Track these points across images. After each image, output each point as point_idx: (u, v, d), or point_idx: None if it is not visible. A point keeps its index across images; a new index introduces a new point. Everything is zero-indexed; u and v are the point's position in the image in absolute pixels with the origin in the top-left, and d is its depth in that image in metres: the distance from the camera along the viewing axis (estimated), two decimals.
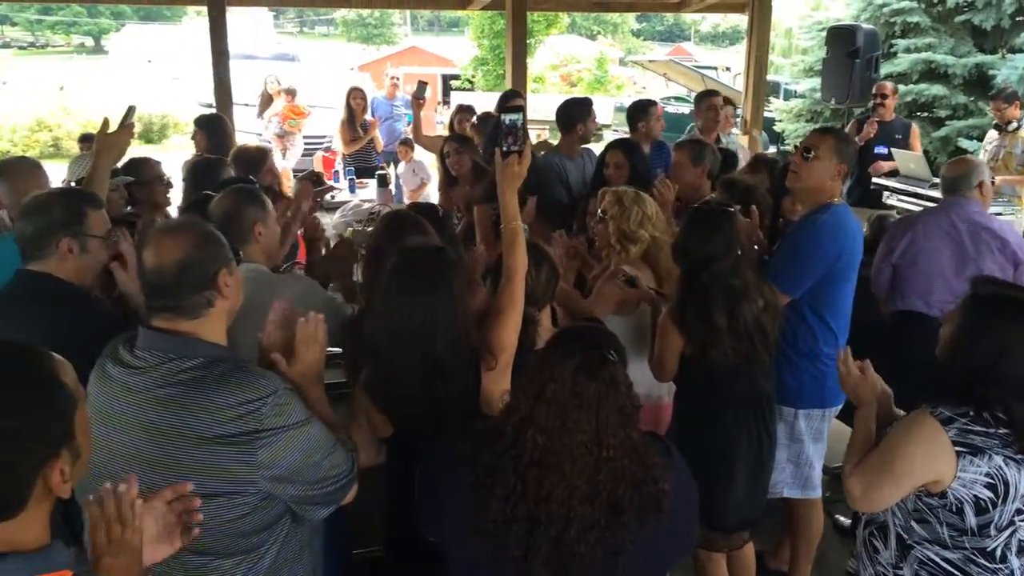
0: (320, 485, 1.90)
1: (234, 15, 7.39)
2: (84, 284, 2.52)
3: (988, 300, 2.10)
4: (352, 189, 7.24)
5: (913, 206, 6.94)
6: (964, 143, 10.47)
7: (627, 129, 5.86)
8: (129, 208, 3.81)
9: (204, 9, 7.51)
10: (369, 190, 7.13)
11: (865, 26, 8.56)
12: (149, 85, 21.03)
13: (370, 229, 5.04)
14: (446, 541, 1.87)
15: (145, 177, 3.95)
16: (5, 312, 2.40)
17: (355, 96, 8.09)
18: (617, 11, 17.68)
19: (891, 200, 7.14)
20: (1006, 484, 1.98)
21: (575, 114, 5.13)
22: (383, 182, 6.77)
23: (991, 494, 1.99)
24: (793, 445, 3.25)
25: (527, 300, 2.53)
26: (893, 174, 7.11)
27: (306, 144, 11.31)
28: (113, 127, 3.08)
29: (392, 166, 8.05)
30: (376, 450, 2.41)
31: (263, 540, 1.88)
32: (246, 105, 11.29)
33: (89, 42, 52.77)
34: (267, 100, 9.81)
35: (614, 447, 1.65)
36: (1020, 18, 11.49)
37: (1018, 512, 2.02)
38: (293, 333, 2.05)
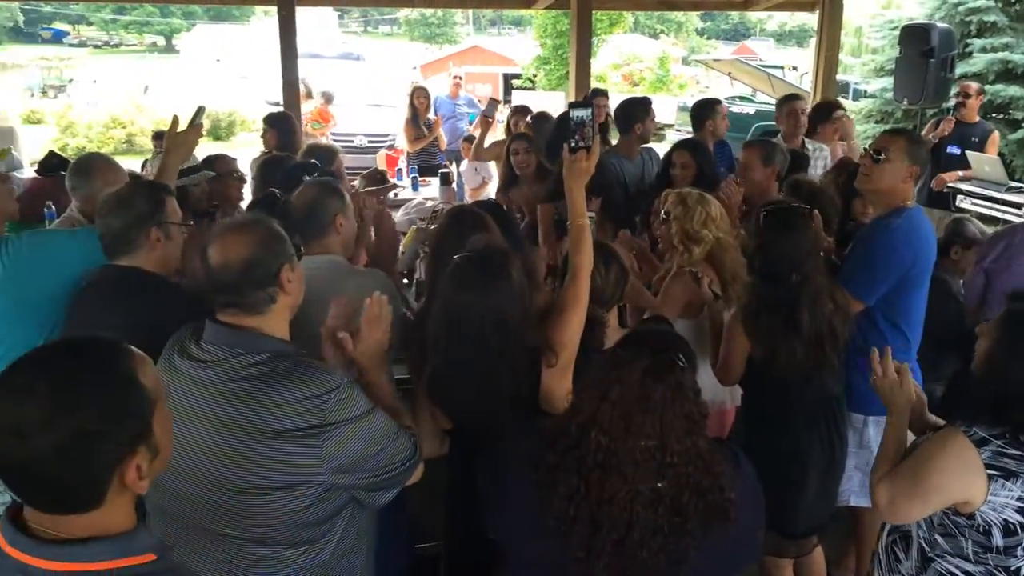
0: (383, 471, 1.93)
1: (300, 14, 7.51)
2: (168, 273, 2.60)
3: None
4: (415, 187, 7.30)
5: (986, 210, 6.74)
6: None
7: (690, 129, 5.81)
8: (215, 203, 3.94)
9: (272, 9, 7.64)
10: (432, 188, 7.18)
11: (940, 25, 8.31)
12: (218, 83, 21.52)
13: (433, 227, 5.10)
14: (507, 539, 1.87)
15: (220, 172, 4.06)
16: (96, 306, 2.48)
17: (419, 95, 8.16)
18: (683, 9, 17.49)
19: (964, 203, 6.94)
20: None
21: (633, 114, 5.09)
22: (446, 180, 6.81)
23: (1022, 518, 1.93)
24: (862, 452, 3.18)
25: (595, 299, 2.53)
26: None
27: (369, 142, 11.47)
28: (183, 126, 3.17)
29: (455, 164, 8.09)
30: (439, 442, 2.44)
31: (325, 531, 1.92)
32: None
33: (161, 41, 54.20)
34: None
35: (678, 453, 1.63)
36: None
37: None
38: (354, 325, 2.09)
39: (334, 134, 11.63)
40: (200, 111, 3.27)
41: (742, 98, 17.37)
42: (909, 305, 3.10)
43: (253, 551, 1.85)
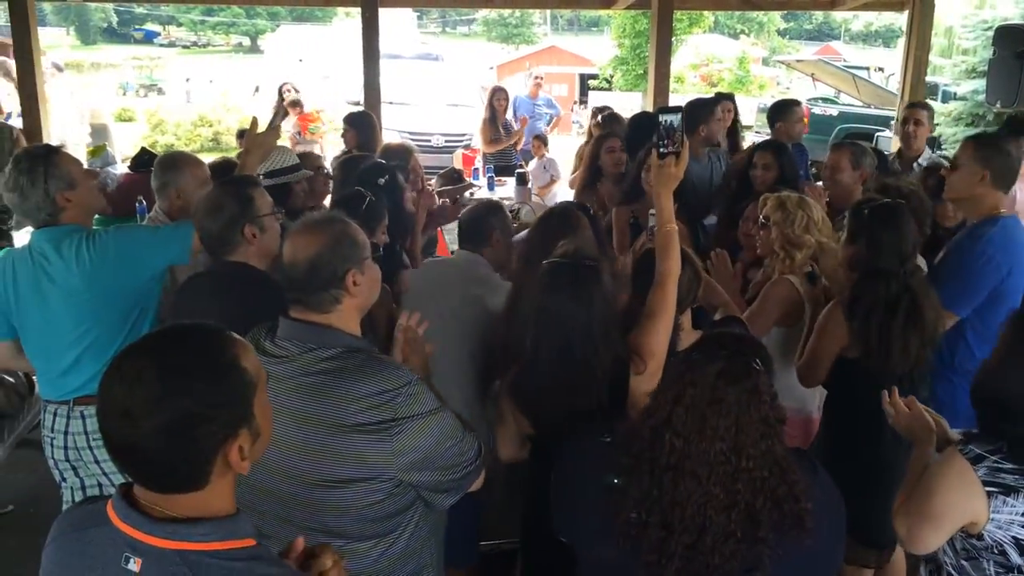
0: (450, 471, 1.95)
1: (381, 15, 7.63)
2: (268, 265, 2.69)
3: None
4: (491, 187, 7.36)
5: None
6: None
7: (768, 130, 5.72)
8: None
9: (354, 10, 7.79)
10: (508, 188, 7.22)
11: None
12: (301, 83, 21.95)
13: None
14: (579, 541, 1.87)
15: (308, 169, 4.17)
16: (201, 298, 2.60)
17: (498, 96, 8.20)
18: (766, 9, 17.20)
19: None
20: None
21: (697, 115, 5.01)
22: (522, 180, 6.85)
23: None
24: None
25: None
26: None
27: (446, 141, 11.59)
28: (262, 127, 3.29)
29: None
30: (520, 445, 2.47)
31: (396, 525, 1.95)
32: (390, 103, 11.67)
33: (246, 42, 55.75)
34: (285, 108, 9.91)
35: (754, 457, 1.61)
36: None
37: None
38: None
39: (412, 133, 11.82)
40: (278, 113, 3.41)
41: (824, 99, 16.96)
42: (1000, 317, 2.99)
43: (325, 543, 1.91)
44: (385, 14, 7.91)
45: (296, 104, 9.51)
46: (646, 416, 1.74)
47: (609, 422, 2.11)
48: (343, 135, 5.90)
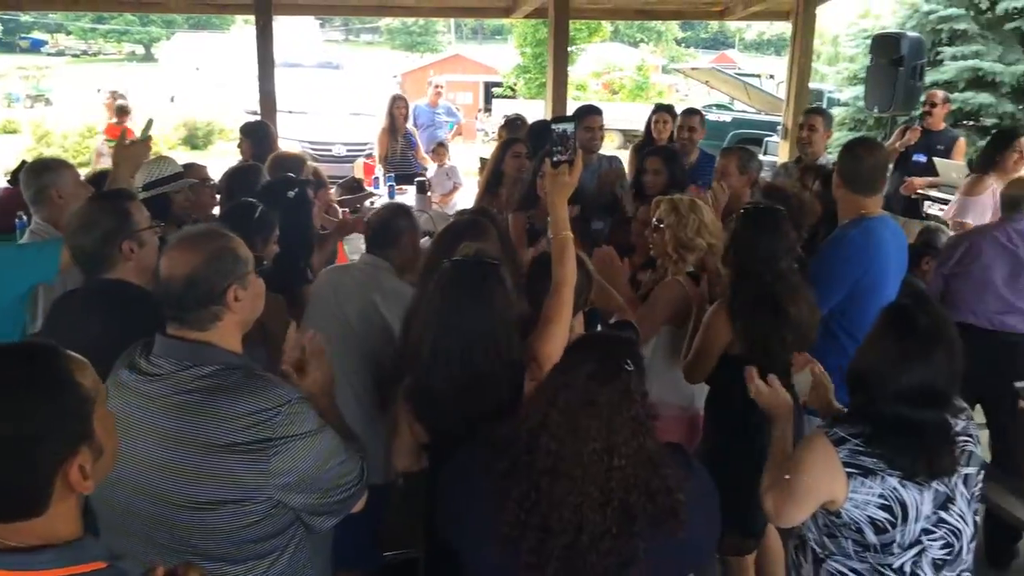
0: (330, 494, 1.91)
1: (280, 23, 7.53)
2: (147, 281, 2.57)
3: (896, 311, 2.12)
4: (391, 195, 7.32)
5: None
6: None
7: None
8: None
9: (253, 18, 7.66)
10: (408, 196, 7.21)
11: (910, 34, 8.45)
12: (197, 92, 21.46)
13: None
14: (463, 547, 1.87)
15: (194, 179, 4.08)
16: (74, 317, 2.47)
17: (398, 105, 8.18)
18: (661, 19, 17.65)
19: (932, 210, 7.05)
20: (903, 505, 1.98)
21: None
22: (422, 188, 6.85)
23: (887, 515, 1.98)
24: None
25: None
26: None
27: (348, 150, 11.50)
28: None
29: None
30: (417, 456, 2.43)
31: (274, 547, 1.89)
32: (289, 112, 11.51)
33: (140, 50, 53.95)
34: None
35: (626, 456, 1.64)
36: None
37: (925, 532, 2.01)
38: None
39: (312, 143, 11.67)
40: (149, 124, 3.39)
41: (719, 106, 17.51)
42: (863, 315, 3.13)
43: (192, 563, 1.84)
44: (287, 22, 7.85)
45: (123, 111, 9.25)
46: (523, 420, 1.75)
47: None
48: (239, 145, 5.79)
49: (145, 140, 3.25)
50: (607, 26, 29.11)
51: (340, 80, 16.16)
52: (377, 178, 7.93)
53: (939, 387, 2.02)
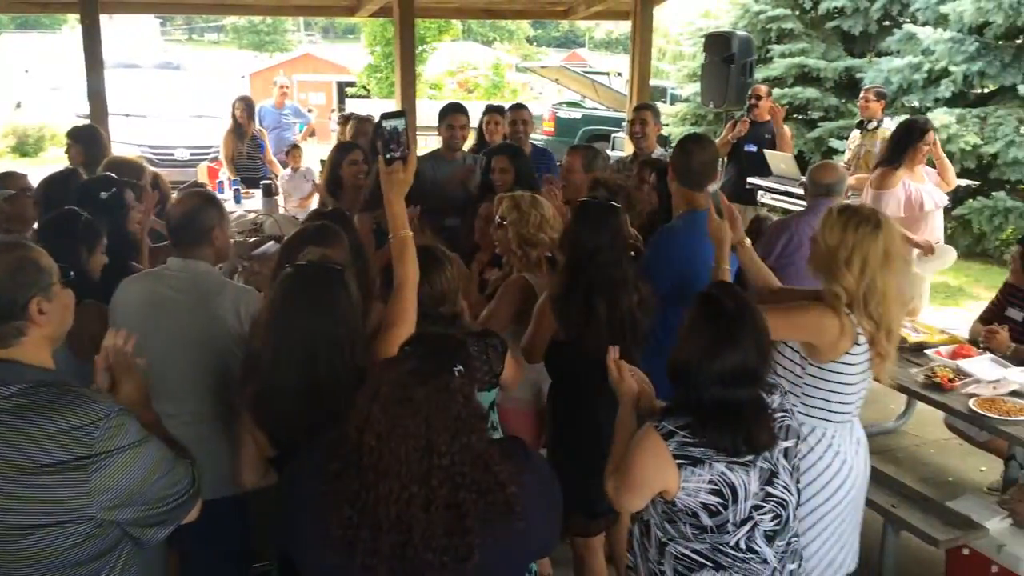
0: (159, 504, 1.86)
1: (117, 23, 7.21)
2: None
3: (702, 299, 2.23)
4: (237, 199, 7.13)
5: (785, 204, 7.29)
6: (835, 143, 11.01)
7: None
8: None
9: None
10: (255, 200, 7.04)
11: (740, 33, 8.93)
12: (27, 95, 20.14)
13: (252, 240, 5.02)
14: (299, 554, 1.82)
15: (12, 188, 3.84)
16: None
17: (239, 106, 7.96)
18: (506, 18, 17.87)
19: (765, 199, 7.48)
20: (732, 488, 2.10)
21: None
22: (268, 192, 6.71)
23: (718, 499, 2.10)
24: None
25: (441, 301, 2.60)
26: (765, 172, 7.44)
27: (191, 154, 11.09)
28: None
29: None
30: (264, 470, 2.36)
31: (98, 569, 1.82)
32: (127, 116, 11.00)
33: None
34: None
35: (448, 455, 1.64)
36: (886, 23, 12.17)
37: (755, 508, 2.14)
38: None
39: (153, 147, 11.19)
40: None
41: (570, 103, 17.90)
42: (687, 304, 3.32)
43: None
44: (125, 21, 7.51)
45: None
46: (350, 417, 1.72)
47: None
48: (67, 151, 5.49)
49: None
50: (459, 25, 29.19)
51: (182, 81, 15.53)
52: (222, 182, 7.70)
53: (750, 366, 2.13)
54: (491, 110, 6.61)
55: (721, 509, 2.11)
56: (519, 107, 6.33)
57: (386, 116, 2.48)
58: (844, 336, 2.60)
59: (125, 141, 9.83)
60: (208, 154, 10.94)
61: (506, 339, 2.93)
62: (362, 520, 1.65)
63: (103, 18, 7.50)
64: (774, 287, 3.09)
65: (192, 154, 11.12)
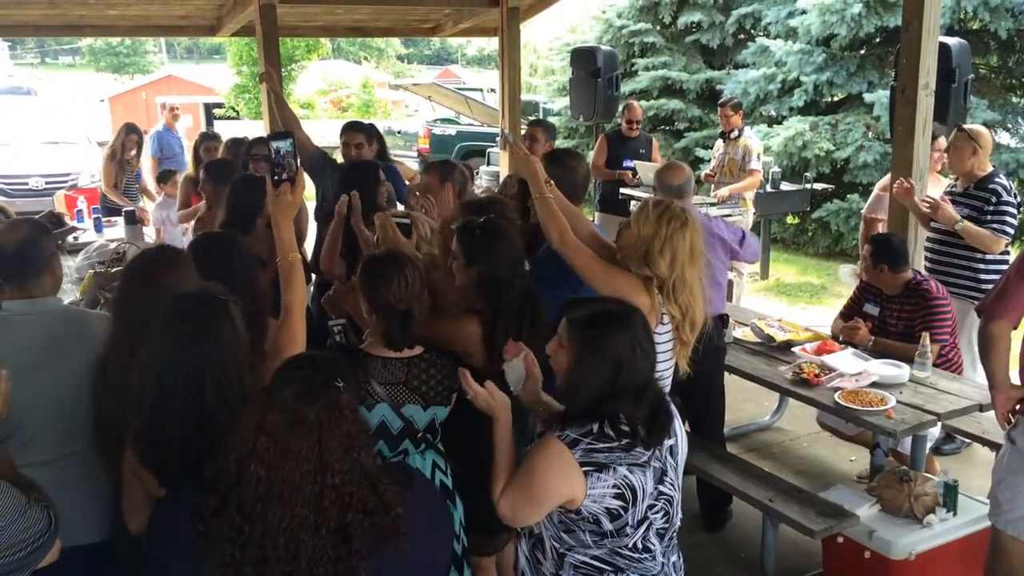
0: (11, 551, 1.76)
1: None
2: None
3: (591, 321, 2.21)
4: (99, 228, 6.80)
5: None
6: (700, 152, 11.45)
7: (401, 154, 6.05)
8: None
9: None
10: (117, 229, 6.72)
11: (604, 47, 9.16)
12: None
13: (114, 270, 4.77)
14: None
15: None
16: None
17: (130, 136, 7.70)
18: (373, 36, 17.74)
19: (636, 206, 7.69)
20: (632, 490, 2.13)
21: None
22: (131, 219, 6.42)
23: (621, 502, 2.13)
24: None
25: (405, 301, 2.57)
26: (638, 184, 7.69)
27: (47, 183, 10.51)
28: None
29: None
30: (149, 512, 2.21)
31: None
32: None
33: None
34: None
35: (340, 473, 1.62)
36: (741, 36, 12.76)
37: (650, 507, 2.18)
38: None
39: (4, 177, 10.55)
40: None
41: (444, 120, 17.94)
42: None
43: None
44: None
45: None
46: (231, 450, 1.66)
47: None
48: None
49: None
50: (327, 43, 28.82)
51: (34, 106, 14.72)
52: (81, 210, 7.33)
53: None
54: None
55: (622, 512, 2.12)
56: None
57: (273, 137, 2.45)
58: (652, 313, 2.73)
59: None
60: (65, 182, 10.41)
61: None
62: (246, 555, 1.59)
63: None
64: (588, 232, 3.22)
65: (48, 183, 10.51)
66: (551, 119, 14.42)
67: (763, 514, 3.65)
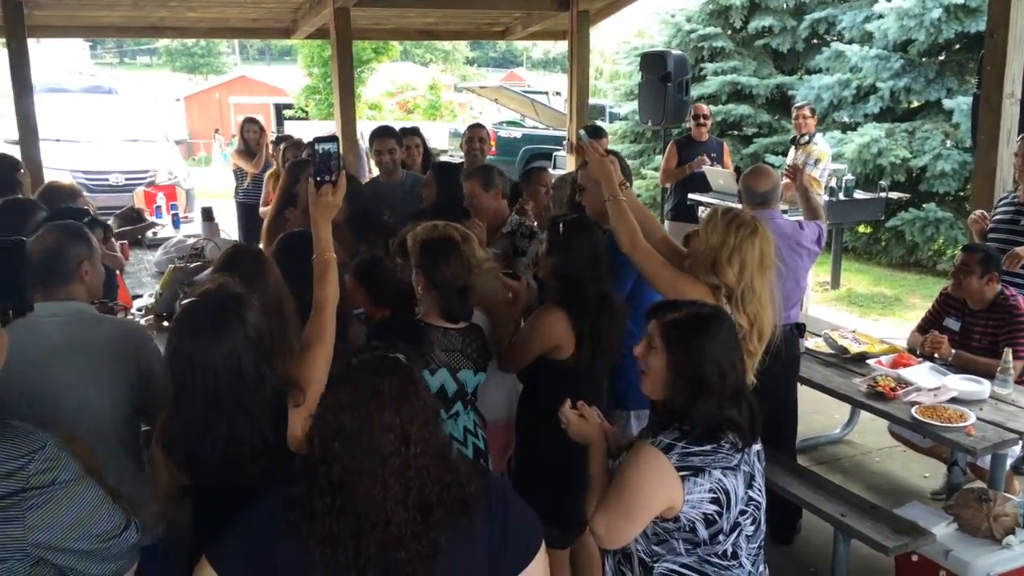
0: (98, 540, 1.80)
1: (45, 46, 7.07)
2: None
3: (687, 323, 2.19)
4: (176, 224, 7.00)
5: None
6: (771, 159, 11.27)
7: (462, 154, 6.09)
8: None
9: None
10: (195, 225, 6.91)
11: (675, 52, 9.09)
12: None
13: (193, 265, 4.90)
14: None
15: None
16: None
17: (249, 129, 7.99)
18: (444, 39, 17.90)
19: (705, 214, 7.60)
20: (727, 494, 2.10)
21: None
22: (208, 216, 6.58)
23: (716, 507, 2.10)
24: None
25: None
26: (706, 189, 7.60)
27: (127, 179, 10.85)
28: None
29: None
30: (175, 501, 2.27)
31: None
32: (57, 140, 10.72)
33: None
34: None
35: (420, 443, 1.65)
36: (814, 41, 12.53)
37: (741, 513, 2.15)
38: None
39: (86, 172, 10.91)
40: None
41: (511, 123, 18.00)
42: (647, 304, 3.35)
43: None
44: (53, 45, 7.35)
45: None
46: (313, 433, 1.69)
47: (276, 465, 2.00)
48: None
49: None
50: (397, 46, 29.19)
51: (114, 105, 15.17)
52: (159, 206, 7.56)
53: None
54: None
55: (717, 518, 2.10)
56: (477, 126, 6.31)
57: (319, 140, 2.49)
58: None
59: (57, 167, 9.57)
60: (144, 178, 10.73)
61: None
62: (343, 531, 1.62)
63: (30, 41, 7.35)
64: (660, 237, 3.22)
65: (127, 179, 10.86)
66: (617, 123, 14.41)
67: (835, 529, 3.57)
